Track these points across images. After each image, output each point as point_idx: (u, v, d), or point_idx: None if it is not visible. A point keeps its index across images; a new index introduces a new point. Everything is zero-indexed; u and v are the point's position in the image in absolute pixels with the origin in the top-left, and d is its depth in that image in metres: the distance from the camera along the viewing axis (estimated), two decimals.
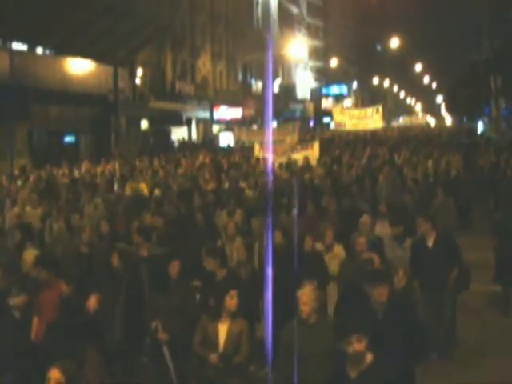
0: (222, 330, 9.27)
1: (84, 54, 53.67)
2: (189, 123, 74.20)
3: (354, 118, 68.03)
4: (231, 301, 9.24)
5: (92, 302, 9.96)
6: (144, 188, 24.21)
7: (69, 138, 56.62)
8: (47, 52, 52.78)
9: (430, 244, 12.87)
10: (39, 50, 51.83)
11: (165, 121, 67.88)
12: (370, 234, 14.22)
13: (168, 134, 70.47)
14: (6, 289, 10.71)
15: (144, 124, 64.57)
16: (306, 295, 8.78)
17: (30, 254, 12.32)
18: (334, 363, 8.30)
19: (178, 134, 72.16)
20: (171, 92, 70.41)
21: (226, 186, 25.45)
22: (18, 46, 47.89)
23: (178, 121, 71.03)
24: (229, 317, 9.31)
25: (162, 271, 11.68)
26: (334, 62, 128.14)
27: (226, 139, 69.26)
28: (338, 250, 13.38)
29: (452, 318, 13.00)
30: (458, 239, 16.97)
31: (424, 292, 12.52)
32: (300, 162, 30.71)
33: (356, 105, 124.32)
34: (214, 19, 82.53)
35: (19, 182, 28.36)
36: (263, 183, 23.52)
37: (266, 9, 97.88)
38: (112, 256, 12.60)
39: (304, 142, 37.20)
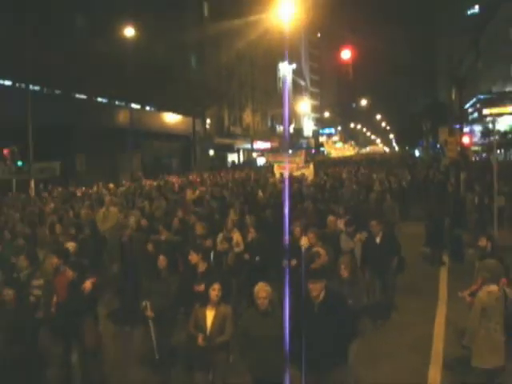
0: (209, 315, 7.46)
1: (175, 111, 54.41)
2: (238, 151, 74.63)
3: (337, 149, 68.90)
4: (213, 292, 7.45)
5: (87, 285, 8.28)
6: (190, 194, 21.47)
7: (165, 161, 57.00)
8: (152, 109, 53.03)
9: (378, 240, 11.41)
10: (147, 108, 52.18)
11: (223, 150, 68.47)
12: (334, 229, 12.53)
13: (226, 158, 70.28)
14: (32, 273, 9.49)
15: (211, 152, 64.68)
16: (264, 290, 6.89)
17: (70, 246, 10.71)
18: None
19: (232, 158, 72.29)
20: (227, 133, 70.36)
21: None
22: (135, 106, 48.13)
23: (232, 150, 71.75)
24: (214, 305, 7.49)
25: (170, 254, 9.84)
26: (326, 114, 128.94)
27: (261, 161, 68.68)
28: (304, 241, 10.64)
29: (392, 293, 11.47)
30: (403, 224, 18.87)
31: (373, 275, 11.27)
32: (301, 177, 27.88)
33: (340, 140, 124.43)
34: (253, 88, 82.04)
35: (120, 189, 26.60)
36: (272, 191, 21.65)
37: (285, 82, 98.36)
38: (148, 244, 11.12)
39: (305, 163, 33.09)
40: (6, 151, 29.54)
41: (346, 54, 24.60)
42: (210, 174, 39.09)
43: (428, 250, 16.73)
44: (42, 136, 31.10)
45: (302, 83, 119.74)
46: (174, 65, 49.71)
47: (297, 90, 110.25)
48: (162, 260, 9.07)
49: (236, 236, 11.85)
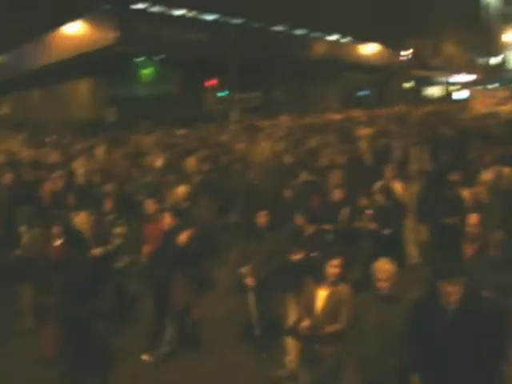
0: (321, 295, 5.34)
1: (372, 41, 52.42)
2: (436, 84, 69.49)
3: None
4: (332, 270, 5.29)
5: (183, 237, 6.66)
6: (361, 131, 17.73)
7: (362, 93, 55.67)
8: (349, 40, 51.02)
9: None
10: (344, 39, 50.31)
11: (421, 83, 64.51)
12: None
13: (420, 91, 65.63)
14: (116, 218, 7.97)
15: (408, 84, 61.41)
16: (386, 271, 4.83)
17: (181, 189, 9.09)
18: None
19: (430, 91, 67.81)
20: (425, 64, 64.43)
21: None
22: (331, 37, 47.39)
23: (430, 83, 67.16)
24: (330, 284, 5.34)
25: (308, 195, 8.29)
26: None
27: (460, 95, 64.09)
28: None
29: None
30: None
31: None
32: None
33: None
34: (452, 17, 75.55)
35: None
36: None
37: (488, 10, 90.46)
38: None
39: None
40: (209, 83, 30.70)
41: None
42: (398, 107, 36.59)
43: None
44: (243, 68, 31.63)
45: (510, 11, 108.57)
46: None
47: (502, 18, 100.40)
48: (262, 217, 6.93)
49: (398, 186, 9.21)
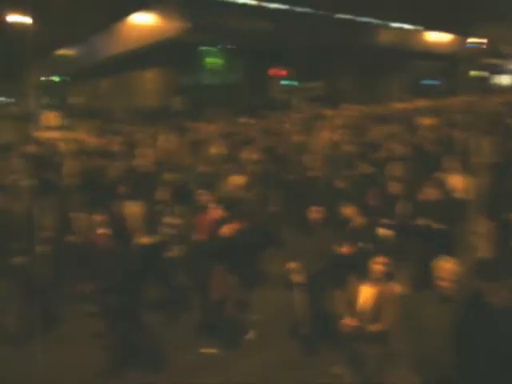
0: (365, 293, 5.06)
1: (439, 29, 50.43)
2: (509, 72, 66.39)
3: None
4: (377, 266, 5.01)
5: (225, 229, 6.51)
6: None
7: (428, 82, 53.66)
8: (415, 27, 49.28)
9: None
10: (410, 26, 48.66)
11: (492, 71, 61.65)
12: None
13: (491, 80, 62.18)
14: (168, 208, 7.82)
15: (477, 72, 58.00)
16: (448, 270, 4.48)
17: (236, 179, 8.90)
18: None
19: (498, 79, 64.00)
20: (496, 52, 61.08)
21: None
22: (397, 25, 45.98)
23: (501, 71, 63.56)
24: (374, 281, 5.05)
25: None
26: None
27: None
28: None
29: None
30: None
31: None
32: None
33: None
34: None
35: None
36: None
37: None
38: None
39: None
40: (274, 71, 30.49)
41: None
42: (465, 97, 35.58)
43: None
44: (307, 56, 31.20)
45: None
46: None
47: None
48: (315, 212, 6.55)
49: (457, 179, 8.62)
